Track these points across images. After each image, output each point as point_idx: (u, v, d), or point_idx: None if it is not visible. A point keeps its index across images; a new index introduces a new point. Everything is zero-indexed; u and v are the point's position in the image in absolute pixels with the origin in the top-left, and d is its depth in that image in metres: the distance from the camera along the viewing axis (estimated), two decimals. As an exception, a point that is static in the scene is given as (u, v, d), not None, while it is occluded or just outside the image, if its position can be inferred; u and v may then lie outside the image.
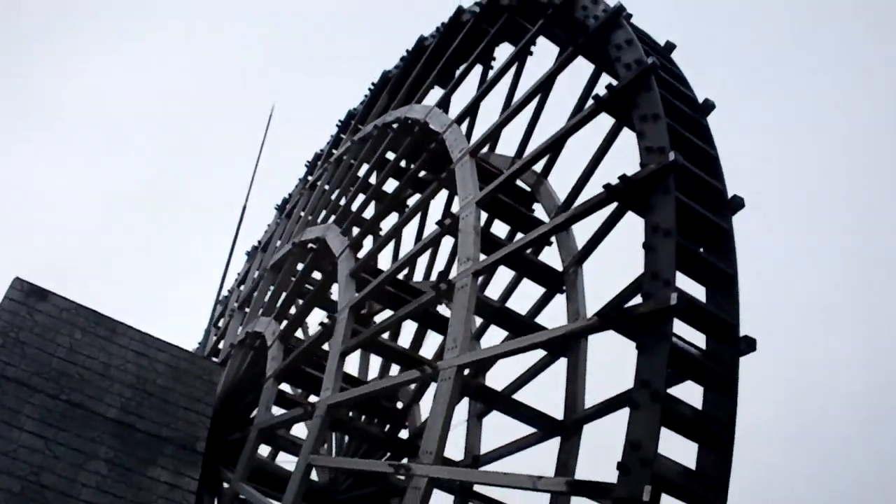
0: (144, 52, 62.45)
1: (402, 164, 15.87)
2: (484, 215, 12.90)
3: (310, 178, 20.26)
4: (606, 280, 11.95)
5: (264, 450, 16.28)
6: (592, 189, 11.91)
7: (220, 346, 17.81)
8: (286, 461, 16.08)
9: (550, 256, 13.03)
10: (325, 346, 13.41)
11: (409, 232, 16.18)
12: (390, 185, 16.04)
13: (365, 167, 16.88)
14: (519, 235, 13.21)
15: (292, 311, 15.39)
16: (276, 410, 14.15)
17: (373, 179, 16.57)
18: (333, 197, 17.26)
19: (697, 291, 9.36)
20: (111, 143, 61.92)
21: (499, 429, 13.01)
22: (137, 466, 12.58)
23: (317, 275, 16.21)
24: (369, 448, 14.12)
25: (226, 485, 13.70)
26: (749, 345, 8.70)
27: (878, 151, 52.09)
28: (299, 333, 15.94)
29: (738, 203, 9.72)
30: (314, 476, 13.71)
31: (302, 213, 18.48)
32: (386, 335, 14.11)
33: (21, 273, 13.34)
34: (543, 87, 12.43)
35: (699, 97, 11.07)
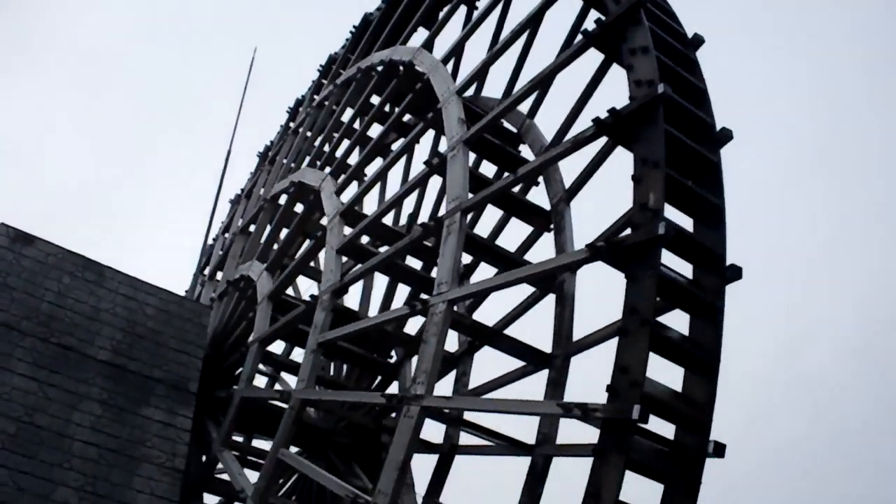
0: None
1: (387, 108, 15.78)
2: (472, 156, 12.93)
3: (291, 124, 20.10)
4: (595, 219, 12.06)
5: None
6: (581, 127, 11.96)
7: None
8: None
9: (538, 196, 13.16)
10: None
11: (395, 175, 16.26)
12: (375, 130, 15.92)
13: (349, 112, 16.76)
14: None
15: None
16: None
17: (357, 124, 16.51)
18: (317, 143, 17.16)
19: (685, 224, 9.52)
20: (90, 84, 60.58)
21: (487, 365, 13.22)
22: (131, 407, 12.68)
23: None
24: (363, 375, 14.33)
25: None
26: (735, 273, 8.88)
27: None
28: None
29: (726, 135, 9.80)
30: None
31: (285, 161, 18.38)
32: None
33: (5, 219, 13.25)
34: (532, 23, 12.35)
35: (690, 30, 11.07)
